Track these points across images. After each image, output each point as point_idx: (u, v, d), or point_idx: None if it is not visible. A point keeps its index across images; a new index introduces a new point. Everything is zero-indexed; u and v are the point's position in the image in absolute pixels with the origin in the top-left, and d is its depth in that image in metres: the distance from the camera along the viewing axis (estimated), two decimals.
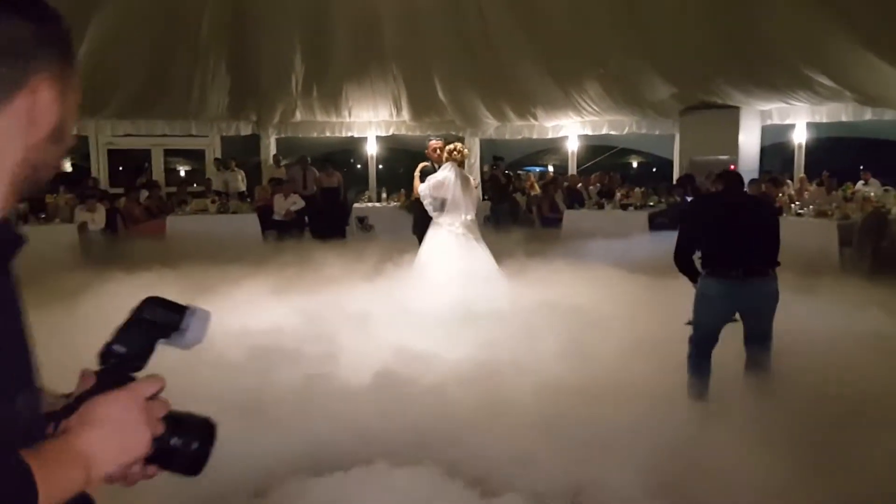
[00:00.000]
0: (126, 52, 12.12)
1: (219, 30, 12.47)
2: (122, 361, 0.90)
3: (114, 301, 5.79)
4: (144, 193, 12.55)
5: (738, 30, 10.32)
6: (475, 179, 15.35)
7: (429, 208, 6.87)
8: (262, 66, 13.47)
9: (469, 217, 6.91)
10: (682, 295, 4.65)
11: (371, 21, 12.32)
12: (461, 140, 16.12)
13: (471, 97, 14.42)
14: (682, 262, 4.30)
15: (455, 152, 6.96)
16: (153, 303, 0.93)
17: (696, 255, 4.35)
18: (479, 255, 6.85)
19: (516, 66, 13.04)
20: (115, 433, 0.84)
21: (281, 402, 4.04)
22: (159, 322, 0.92)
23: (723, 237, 4.15)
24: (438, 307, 6.00)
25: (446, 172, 6.88)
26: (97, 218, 10.96)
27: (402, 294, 6.48)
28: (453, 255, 6.70)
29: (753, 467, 3.20)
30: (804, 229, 8.98)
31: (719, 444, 3.43)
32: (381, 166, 16.79)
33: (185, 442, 0.91)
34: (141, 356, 0.92)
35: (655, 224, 10.90)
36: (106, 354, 0.91)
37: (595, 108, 14.00)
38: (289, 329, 5.53)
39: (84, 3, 10.82)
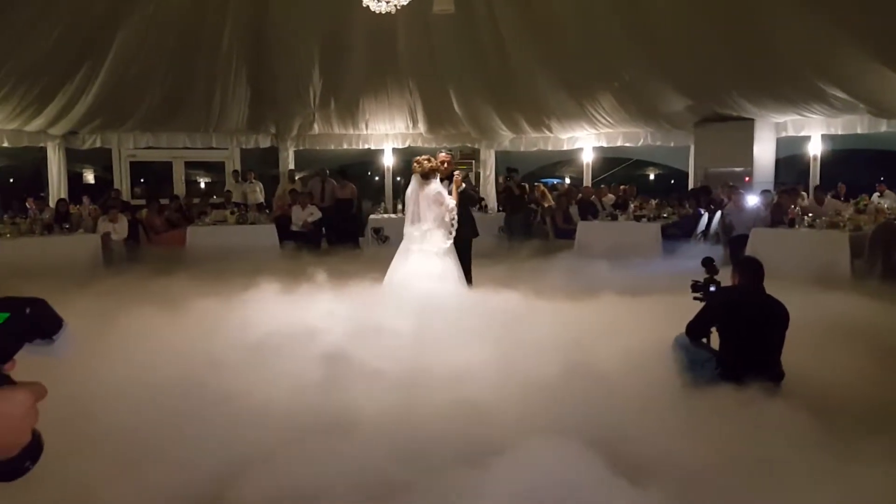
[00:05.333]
0: (148, 66, 12.43)
1: (239, 44, 12.75)
2: None
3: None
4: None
5: (752, 43, 10.36)
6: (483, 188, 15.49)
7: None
8: (281, 80, 13.74)
9: (425, 227, 6.81)
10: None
11: (387, 35, 12.50)
12: (475, 152, 16.32)
13: (486, 110, 14.55)
14: (694, 338, 4.41)
15: (415, 164, 6.94)
16: (42, 305, 0.88)
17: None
18: (417, 260, 6.80)
19: (530, 78, 13.16)
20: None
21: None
22: (39, 325, 0.87)
23: (739, 344, 4.15)
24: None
25: (409, 189, 6.99)
26: (119, 228, 11.20)
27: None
28: (398, 265, 6.88)
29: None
30: (816, 240, 8.98)
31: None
32: (398, 178, 16.93)
33: (32, 459, 0.85)
34: (8, 352, 0.85)
35: (668, 235, 10.95)
36: None
37: (609, 120, 14.07)
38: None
39: (108, 18, 11.15)
